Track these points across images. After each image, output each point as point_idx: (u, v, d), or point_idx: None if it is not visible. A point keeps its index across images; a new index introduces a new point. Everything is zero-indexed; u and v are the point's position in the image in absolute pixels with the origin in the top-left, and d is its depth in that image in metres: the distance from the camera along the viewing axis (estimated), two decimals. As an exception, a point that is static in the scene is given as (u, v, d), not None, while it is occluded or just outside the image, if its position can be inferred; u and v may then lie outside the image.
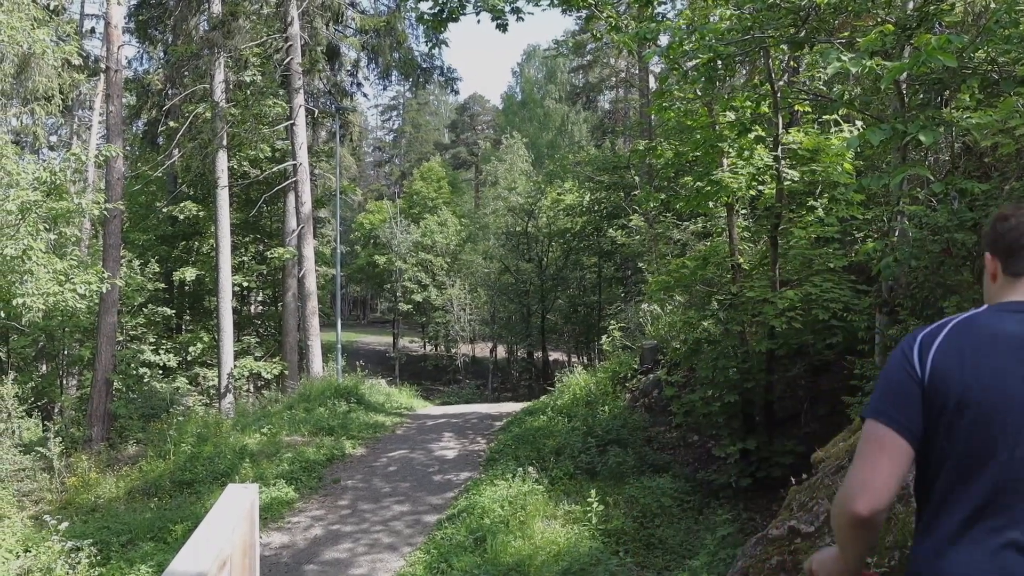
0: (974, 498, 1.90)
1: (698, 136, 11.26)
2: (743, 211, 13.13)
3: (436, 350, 44.98)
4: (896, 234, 8.00)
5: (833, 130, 11.23)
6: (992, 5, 7.45)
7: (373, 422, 16.70)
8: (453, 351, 43.15)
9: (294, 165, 23.78)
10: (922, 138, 5.95)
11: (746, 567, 5.34)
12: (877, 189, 8.70)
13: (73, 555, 9.76)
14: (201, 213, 25.83)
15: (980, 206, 6.12)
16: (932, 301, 7.14)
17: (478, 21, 11.05)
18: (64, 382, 26.09)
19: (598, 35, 13.40)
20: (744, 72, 13.60)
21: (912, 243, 7.07)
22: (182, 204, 25.67)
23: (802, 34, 8.09)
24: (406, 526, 11.05)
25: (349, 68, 29.84)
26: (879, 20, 7.58)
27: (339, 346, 24.69)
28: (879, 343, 8.58)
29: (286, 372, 24.31)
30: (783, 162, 10.75)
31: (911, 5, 7.97)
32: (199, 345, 25.81)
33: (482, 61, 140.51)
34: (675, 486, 11.35)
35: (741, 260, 11.91)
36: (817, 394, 12.10)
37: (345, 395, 18.16)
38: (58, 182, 17.77)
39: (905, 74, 7.20)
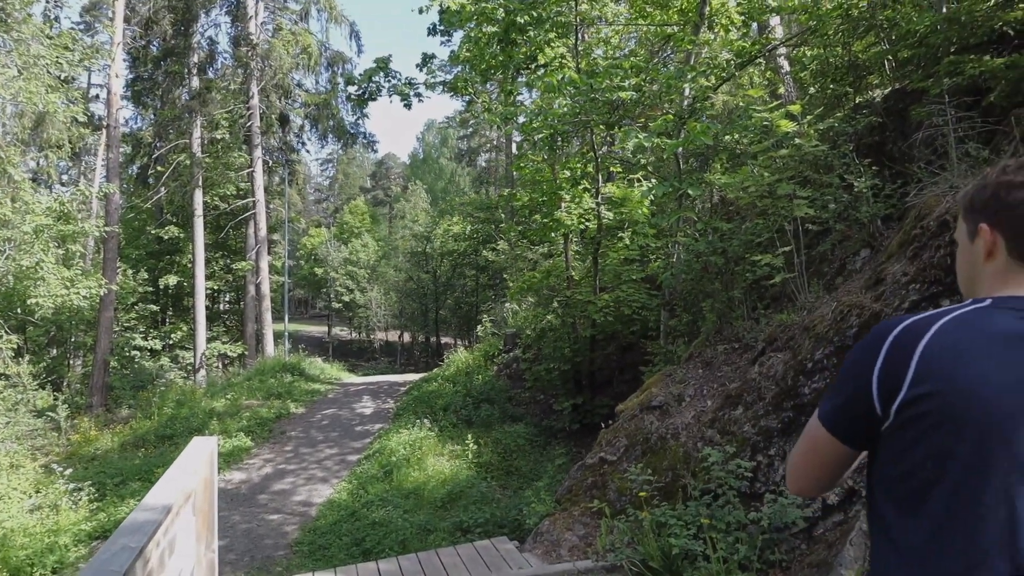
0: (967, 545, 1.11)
1: (544, 187, 11.44)
2: (575, 239, 13.41)
3: (359, 336, 43.95)
4: (674, 257, 8.36)
5: (636, 185, 11.63)
6: (737, 104, 7.91)
7: (311, 389, 16.21)
8: (372, 336, 42.43)
9: (253, 201, 22.88)
10: (690, 192, 6.25)
11: (570, 485, 5.46)
12: (663, 226, 9.07)
13: (75, 494, 9.09)
14: (182, 235, 24.53)
15: (726, 238, 6.47)
16: (695, 302, 7.48)
17: (391, 101, 10.87)
18: (71, 362, 24.17)
19: (475, 114, 13.43)
20: (577, 143, 13.91)
21: (683, 263, 7.40)
22: (166, 228, 24.33)
23: (614, 119, 8.35)
24: (335, 464, 10.79)
25: (296, 131, 28.84)
26: (664, 111, 7.91)
27: (286, 334, 23.90)
28: (663, 330, 8.92)
29: (246, 353, 23.33)
30: (602, 206, 11.04)
31: (686, 102, 8.36)
32: (179, 333, 24.46)
33: (395, 128, 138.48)
34: (527, 431, 11.48)
35: (573, 273, 12.15)
36: (624, 365, 12.45)
37: (290, 369, 17.55)
38: (66, 210, 16.68)
39: (681, 148, 7.57)
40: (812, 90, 7.87)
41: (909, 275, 4.52)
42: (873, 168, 5.87)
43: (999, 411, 1.09)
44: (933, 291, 4.35)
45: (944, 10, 5.81)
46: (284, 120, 27.23)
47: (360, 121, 28.18)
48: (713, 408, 5.35)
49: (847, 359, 1.30)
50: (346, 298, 39.73)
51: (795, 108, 6.22)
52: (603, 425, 6.30)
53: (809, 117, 6.37)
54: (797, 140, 5.93)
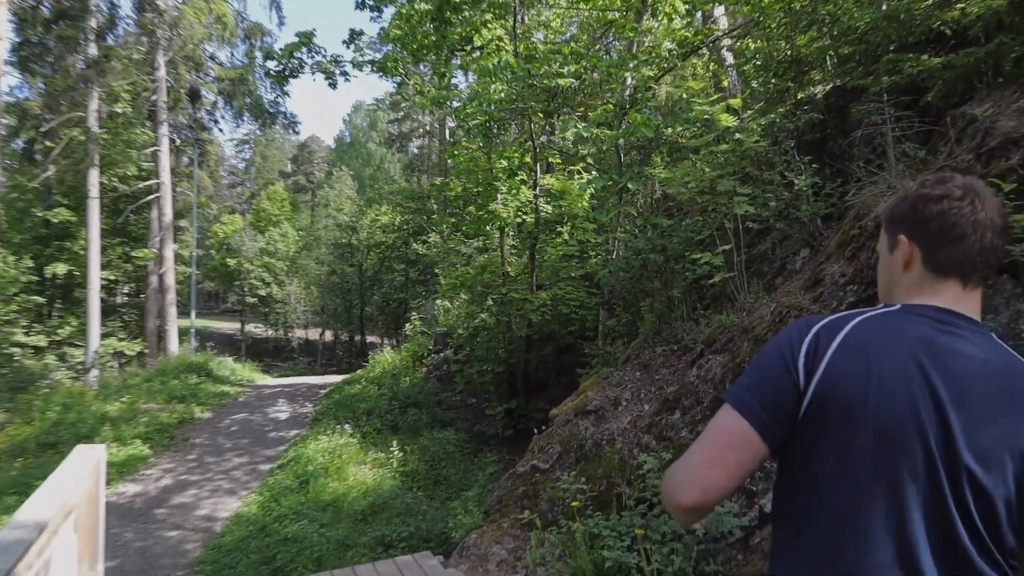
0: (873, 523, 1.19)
1: (479, 177, 11.43)
2: (511, 233, 13.46)
3: (276, 334, 42.90)
4: (614, 254, 8.49)
5: (576, 177, 11.75)
6: (680, 97, 8.08)
7: (219, 391, 15.74)
8: (290, 335, 41.54)
9: (157, 183, 22.04)
10: (630, 186, 6.35)
11: (500, 495, 5.47)
12: (603, 220, 9.19)
13: (-61, 509, 8.52)
14: (74, 218, 23.36)
15: (666, 235, 6.61)
16: (634, 301, 7.62)
17: (314, 79, 10.65)
18: (-62, 360, 22.74)
19: (407, 96, 13.30)
20: (515, 131, 13.95)
21: (622, 260, 7.52)
22: (56, 210, 23.13)
23: (553, 107, 8.40)
24: (244, 474, 10.50)
25: (208, 108, 27.93)
26: (605, 101, 8.02)
27: (192, 330, 23.11)
28: (601, 330, 9.05)
29: (146, 352, 22.48)
30: (540, 199, 11.11)
31: (628, 92, 8.49)
32: (68, 329, 23.30)
33: (319, 109, 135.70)
34: (457, 437, 11.48)
35: (509, 269, 12.20)
36: (561, 367, 12.59)
37: (196, 370, 16.99)
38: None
39: (622, 140, 7.68)
40: (755, 84, 8.11)
41: (847, 276, 4.71)
42: (814, 166, 6.09)
43: (898, 412, 1.21)
44: (870, 292, 4.54)
45: (884, 7, 6.08)
46: (195, 95, 26.32)
47: (280, 99, 27.61)
48: (650, 412, 5.46)
49: (769, 347, 1.35)
50: (262, 292, 38.73)
51: (736, 102, 6.40)
52: (536, 431, 6.34)
53: (750, 112, 6.56)
54: (738, 135, 6.11)
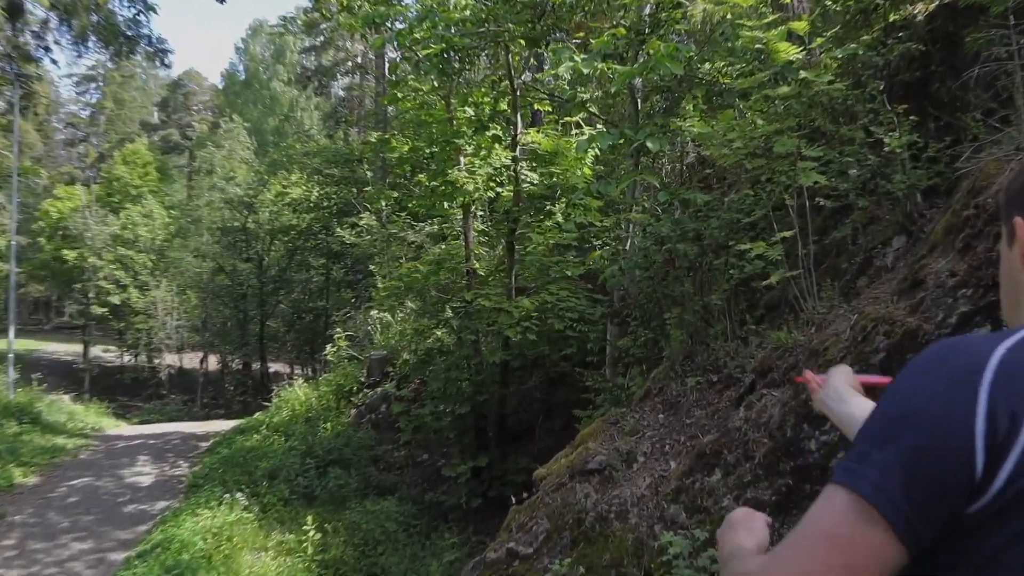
0: None
1: (434, 131, 11.46)
2: (480, 213, 13.51)
3: (136, 360, 42.58)
4: (627, 244, 8.56)
5: (574, 133, 11.79)
6: (722, 17, 8.17)
7: (51, 445, 15.60)
8: (156, 362, 41.16)
9: (-40, 139, 21.84)
10: (649, 144, 6.42)
11: (464, 592, 5.51)
12: (612, 195, 9.26)
13: None
14: None
15: (701, 216, 6.68)
16: (657, 313, 7.69)
17: (190, -13, 10.61)
18: None
19: (327, 15, 13.32)
20: (487, 66, 14.00)
21: (639, 253, 7.58)
22: None
23: (539, 31, 8.46)
24: (87, 567, 10.41)
25: (35, 29, 27.72)
26: (614, 23, 8.09)
27: (11, 356, 22.82)
28: (609, 354, 9.11)
29: (-59, 387, 22.25)
30: (522, 163, 11.15)
31: (647, 11, 8.55)
32: None
33: (201, 34, 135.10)
34: (401, 509, 11.48)
35: (477, 265, 12.23)
36: (552, 407, 12.67)
37: (16, 414, 16.82)
38: None
39: (639, 79, 7.75)
40: (829, 1, 8.22)
41: (958, 275, 4.80)
42: (912, 118, 6.19)
43: None
44: (991, 299, 4.63)
45: None
46: (15, 10, 26.10)
47: (142, 18, 27.29)
48: (679, 472, 5.51)
49: (906, 398, 1.18)
50: (115, 299, 38.41)
51: (800, 26, 6.48)
52: (516, 500, 6.38)
53: (821, 39, 6.64)
54: (804, 73, 6.19)
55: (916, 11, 7.38)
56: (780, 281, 5.95)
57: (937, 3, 7.35)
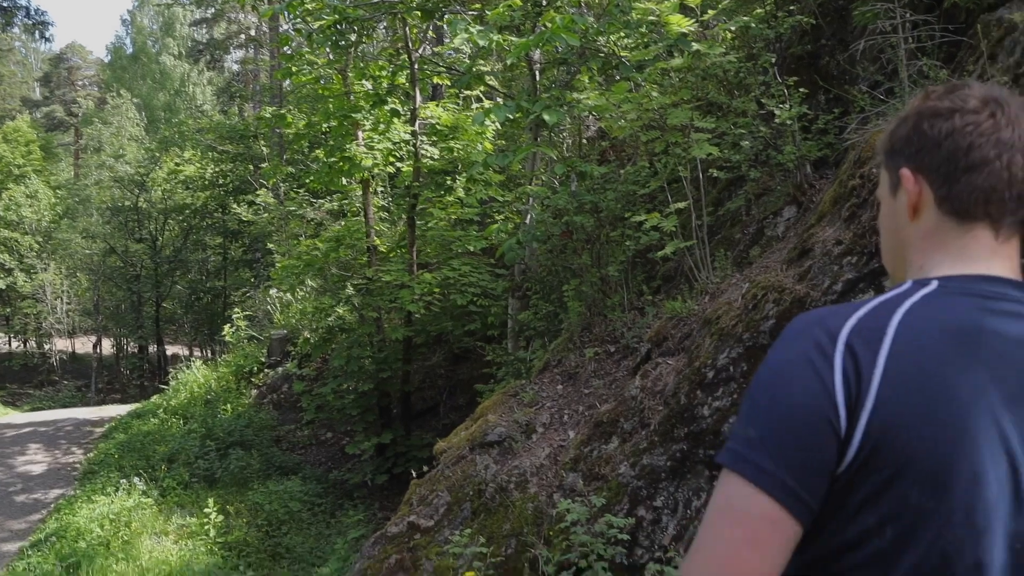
0: None
1: (331, 105, 11.36)
2: (380, 189, 13.44)
3: (25, 346, 41.25)
4: (527, 217, 8.62)
5: (475, 106, 11.80)
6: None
7: (-65, 435, 15.12)
8: (47, 347, 39.93)
9: None
10: (546, 117, 6.47)
11: (364, 568, 5.52)
12: (513, 168, 9.31)
13: None
14: None
15: (597, 189, 6.77)
16: (557, 285, 7.78)
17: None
18: None
19: (218, -16, 13.05)
20: (386, 39, 13.90)
21: (536, 225, 7.65)
22: None
23: (433, 3, 8.43)
24: (-23, 559, 10.17)
25: (-98, -4, 26.51)
26: (511, -6, 8.10)
27: None
28: (511, 328, 9.19)
29: None
30: (422, 138, 11.13)
31: (544, -19, 8.60)
32: None
33: (85, 4, 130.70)
34: (305, 488, 11.45)
35: (377, 242, 12.19)
36: (456, 383, 12.74)
37: None
38: None
39: (537, 52, 7.79)
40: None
41: (844, 244, 4.98)
42: (802, 91, 6.36)
43: (978, 451, 1.18)
44: (874, 266, 4.82)
45: None
46: None
47: (21, -13, 26.33)
48: (577, 441, 5.61)
49: (777, 371, 1.28)
50: (0, 284, 37.19)
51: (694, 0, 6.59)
52: (417, 474, 6.41)
53: (712, 12, 6.77)
54: (697, 46, 6.31)
55: (807, -15, 7.58)
56: (675, 252, 6.07)
57: (827, -23, 7.56)
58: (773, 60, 6.68)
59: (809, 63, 7.31)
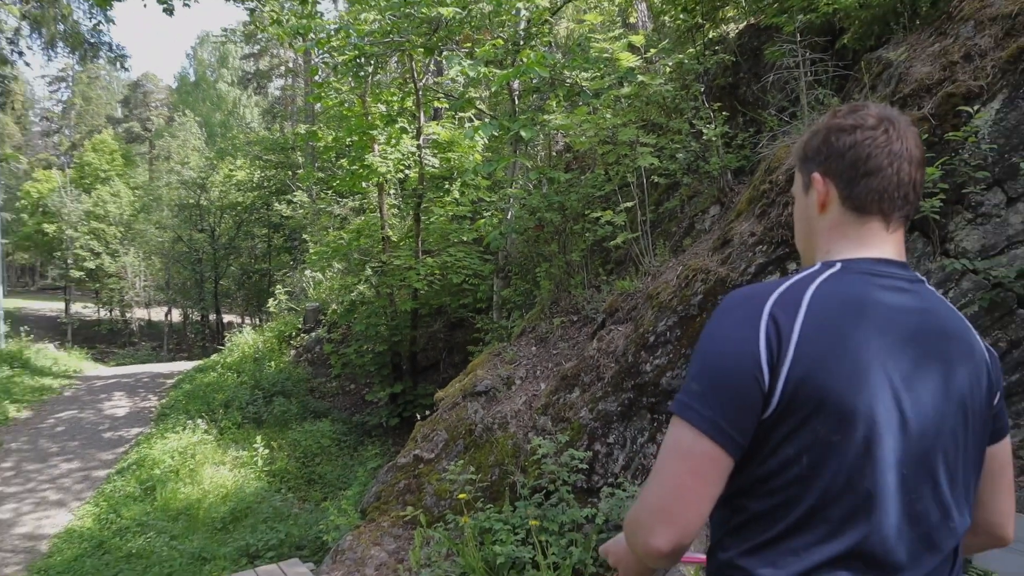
0: (842, 532, 1.24)
1: (352, 124, 11.28)
2: (392, 191, 13.38)
3: (111, 315, 40.99)
4: (508, 214, 8.62)
5: (468, 125, 11.77)
6: (581, 34, 8.22)
7: (39, 385, 14.99)
8: (128, 315, 39.75)
9: (-53, 130, 20.44)
10: (523, 133, 6.46)
11: (379, 491, 5.54)
12: (497, 175, 9.29)
13: None
14: None
15: (563, 191, 6.77)
16: (531, 267, 7.80)
17: (144, 5, 10.16)
18: None
19: (261, 26, 12.90)
20: (397, 71, 13.81)
21: (516, 221, 7.66)
22: None
23: (434, 41, 8.37)
24: (75, 482, 10.12)
25: (9, 35, 26.05)
26: (495, 36, 8.05)
27: (0, 312, 21.80)
28: (495, 301, 9.20)
29: (-58, 340, 21.07)
30: (425, 150, 11.09)
31: (521, 26, 8.55)
32: None
33: (156, 42, 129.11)
34: (334, 428, 11.46)
35: (390, 233, 12.15)
36: (453, 345, 12.74)
37: (8, 360, 16.09)
38: None
39: (516, 82, 7.76)
40: (666, 19, 8.35)
41: (756, 235, 5.00)
42: (724, 114, 6.38)
43: (873, 395, 1.24)
44: (780, 253, 4.85)
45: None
46: (-9, 20, 24.50)
47: (102, 27, 25.98)
48: (547, 392, 5.64)
49: (715, 336, 1.31)
50: (90, 264, 36.77)
51: (637, 39, 6.59)
52: (421, 417, 6.44)
53: (654, 50, 6.76)
54: (642, 78, 6.30)
55: (729, 29, 7.56)
56: (625, 242, 6.08)
57: (745, 23, 7.54)
58: (702, 89, 6.68)
59: (730, 92, 7.31)
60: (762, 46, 6.89)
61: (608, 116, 6.33)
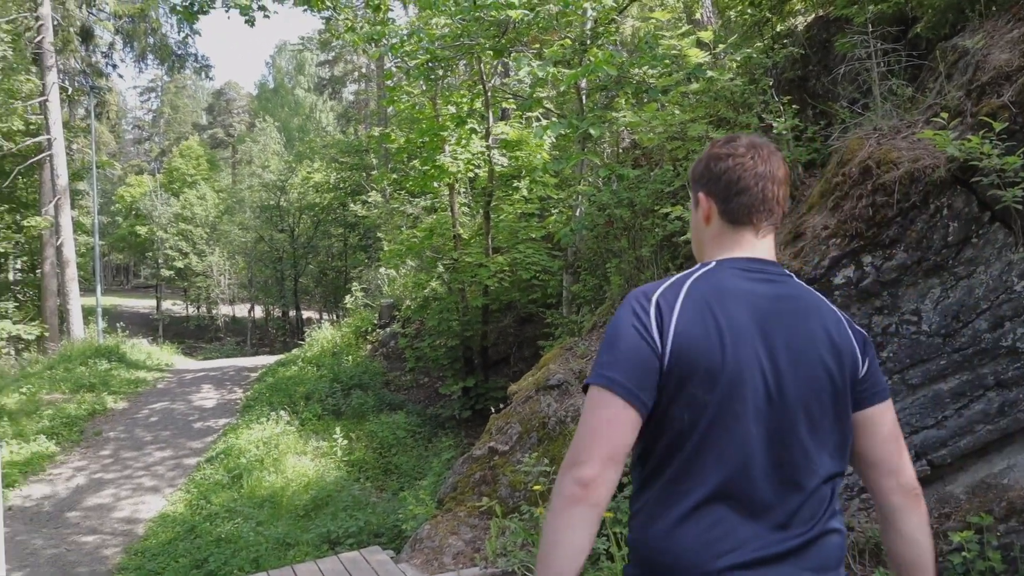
0: (714, 475, 1.48)
1: (424, 126, 11.37)
2: (463, 190, 13.45)
3: (198, 311, 42.31)
4: (577, 211, 8.57)
5: (535, 124, 11.74)
6: (647, 31, 8.11)
7: (134, 378, 15.55)
8: (214, 312, 40.96)
9: (48, 139, 21.31)
10: (592, 131, 6.40)
11: (455, 482, 5.57)
12: (565, 172, 9.25)
13: None
14: (-49, 183, 22.58)
15: (633, 188, 6.69)
16: (600, 263, 7.73)
17: (228, 16, 10.40)
18: None
19: (336, 34, 13.09)
20: (465, 73, 13.87)
21: (586, 218, 7.60)
22: (-74, 173, 22.32)
23: (503, 44, 8.36)
24: (168, 470, 10.49)
25: (104, 50, 27.10)
26: (562, 36, 8.01)
27: (99, 309, 22.63)
28: (565, 297, 9.16)
29: (46, 335, 22.00)
30: (494, 150, 11.10)
31: (588, 26, 8.48)
32: (-49, 312, 22.69)
33: (237, 51, 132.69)
34: (409, 420, 11.58)
35: (461, 231, 12.21)
36: (522, 340, 12.73)
37: (106, 354, 16.73)
38: None
39: (583, 81, 7.70)
40: (732, 15, 8.18)
41: (829, 228, 4.85)
42: (794, 107, 6.21)
43: (739, 364, 1.50)
44: (854, 246, 4.69)
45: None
46: (87, 35, 25.51)
47: (189, 39, 26.80)
48: (618, 385, 5.57)
49: (615, 322, 1.56)
50: (179, 264, 38.02)
51: (706, 35, 6.46)
52: (495, 411, 6.45)
53: (722, 46, 6.62)
54: (710, 73, 6.18)
55: (797, 23, 7.36)
56: (694, 236, 5.99)
57: (813, 16, 7.33)
58: (771, 83, 6.52)
59: (799, 85, 7.11)
60: (832, 38, 6.69)
61: (677, 112, 6.23)
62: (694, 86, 6.37)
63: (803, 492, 1.52)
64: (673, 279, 1.60)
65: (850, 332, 1.64)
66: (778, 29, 7.28)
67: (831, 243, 4.77)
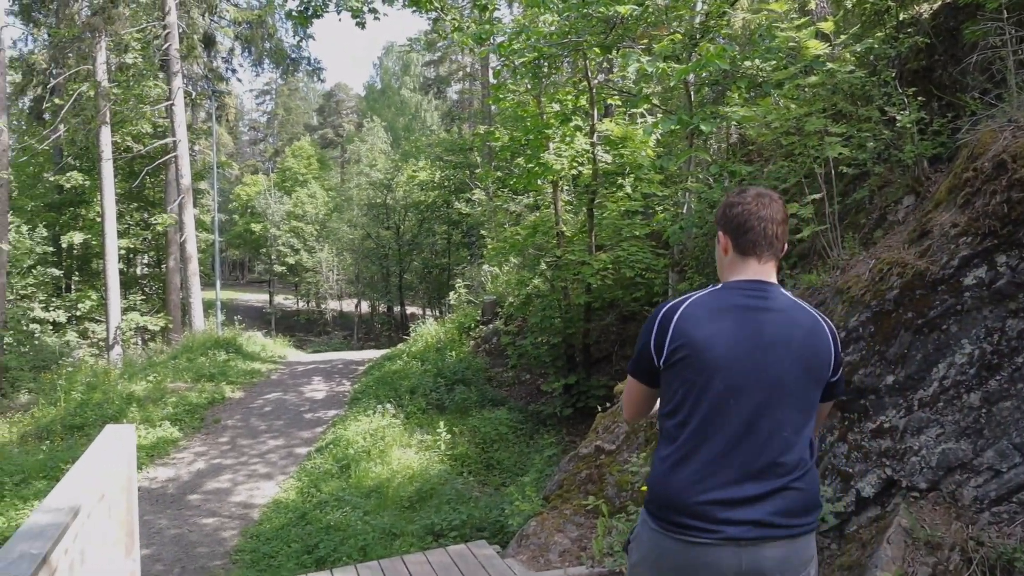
0: (702, 436, 2.04)
1: (528, 124, 11.38)
2: (566, 188, 13.41)
3: (308, 306, 43.84)
4: (684, 208, 8.40)
5: (640, 121, 11.59)
6: (760, 23, 7.86)
7: (250, 369, 16.24)
8: (323, 306, 42.39)
9: (174, 141, 22.47)
10: (703, 127, 6.26)
11: (561, 480, 5.54)
12: (671, 169, 9.08)
13: (-35, 496, 9.07)
14: (87, 183, 24.07)
15: (746, 184, 6.50)
16: (708, 261, 7.55)
17: (339, 19, 10.69)
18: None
19: (443, 34, 13.27)
20: (568, 70, 13.82)
21: (695, 215, 7.44)
22: (68, 174, 23.86)
23: (611, 40, 8.28)
24: (280, 458, 10.88)
25: (224, 55, 28.37)
26: (672, 31, 7.86)
27: (218, 303, 23.79)
28: (670, 295, 9.00)
29: (170, 326, 23.26)
30: (598, 147, 11.02)
31: (698, 20, 8.30)
32: (87, 303, 24.23)
33: (346, 54, 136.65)
34: (510, 417, 11.62)
35: (564, 229, 12.18)
36: (625, 338, 12.59)
37: (224, 346, 17.54)
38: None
39: (692, 76, 7.54)
40: (848, 4, 7.84)
41: (959, 226, 4.58)
42: (919, 99, 5.90)
43: (721, 357, 2.03)
44: (987, 244, 4.41)
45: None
46: (209, 41, 26.77)
47: (303, 43, 27.84)
48: (728, 386, 5.43)
49: (640, 333, 2.21)
50: (290, 260, 39.52)
51: (827, 26, 6.21)
52: (600, 409, 6.39)
53: (843, 37, 6.35)
54: (829, 65, 5.93)
55: (922, 10, 7.00)
56: (810, 234, 5.78)
57: (940, 2, 6.95)
58: (893, 75, 6.22)
59: (924, 76, 6.75)
60: (960, 25, 6.32)
61: (792, 107, 6.02)
62: (812, 79, 6.13)
63: (773, 455, 2.02)
64: (683, 296, 2.18)
65: (830, 341, 2.14)
66: (901, 18, 6.93)
67: (961, 241, 4.51)
